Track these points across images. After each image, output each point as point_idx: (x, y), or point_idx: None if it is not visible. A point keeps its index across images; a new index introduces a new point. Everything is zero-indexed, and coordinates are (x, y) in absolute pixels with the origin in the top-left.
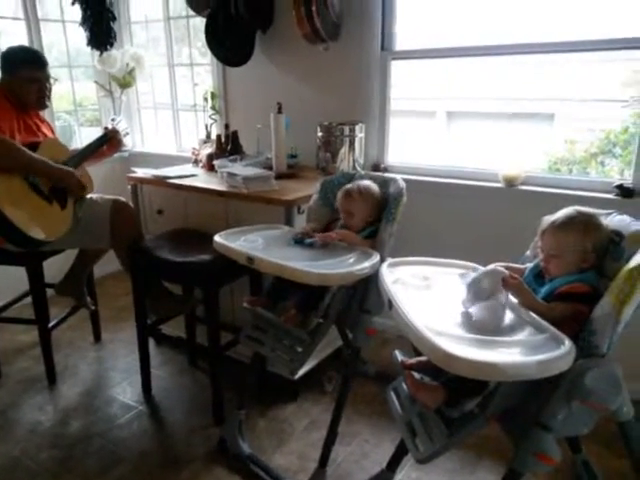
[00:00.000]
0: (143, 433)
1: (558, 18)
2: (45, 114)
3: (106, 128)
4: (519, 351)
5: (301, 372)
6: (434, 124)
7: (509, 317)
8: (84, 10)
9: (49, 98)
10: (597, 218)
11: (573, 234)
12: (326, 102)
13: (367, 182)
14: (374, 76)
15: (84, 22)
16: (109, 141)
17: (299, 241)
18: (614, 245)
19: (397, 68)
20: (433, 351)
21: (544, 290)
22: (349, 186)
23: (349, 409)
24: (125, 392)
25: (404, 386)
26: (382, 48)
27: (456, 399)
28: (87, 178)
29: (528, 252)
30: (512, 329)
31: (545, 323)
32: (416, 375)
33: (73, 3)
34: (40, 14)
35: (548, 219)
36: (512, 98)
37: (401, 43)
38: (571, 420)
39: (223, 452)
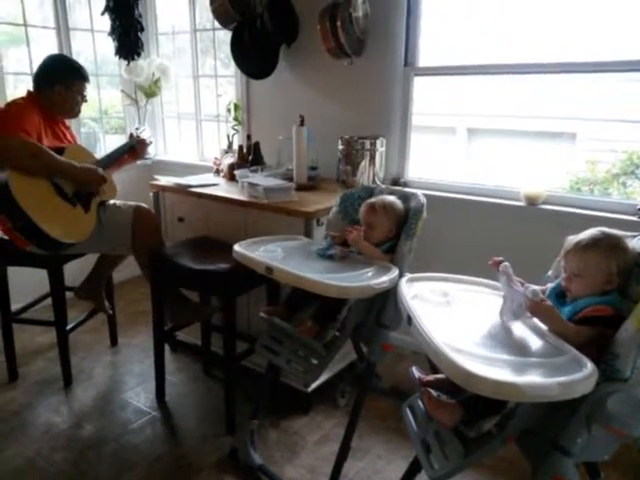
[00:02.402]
0: (156, 439)
1: (582, 38)
2: (71, 120)
3: (131, 135)
4: (540, 372)
5: (314, 385)
6: (455, 140)
7: (532, 338)
8: (113, 20)
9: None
10: (623, 240)
11: (598, 255)
12: (348, 116)
13: (392, 198)
14: (396, 91)
15: (113, 32)
16: (133, 149)
17: (323, 250)
18: (639, 268)
19: (419, 84)
20: (452, 369)
21: (567, 310)
22: (374, 200)
23: (362, 424)
24: (139, 397)
25: (420, 403)
26: (405, 64)
27: (474, 418)
28: (111, 184)
29: (550, 272)
30: (533, 350)
31: (567, 345)
32: (433, 392)
33: (103, 13)
34: (70, 23)
35: (573, 239)
36: (534, 116)
37: (424, 59)
38: (591, 445)
39: (234, 461)
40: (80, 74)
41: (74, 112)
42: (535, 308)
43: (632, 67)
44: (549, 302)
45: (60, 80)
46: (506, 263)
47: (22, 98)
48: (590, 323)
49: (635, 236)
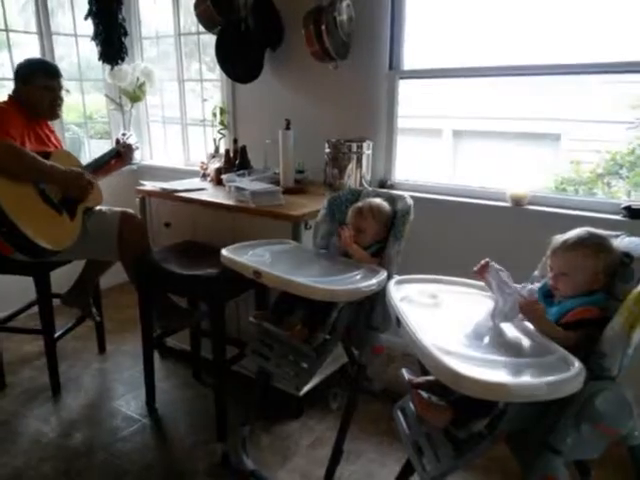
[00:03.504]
0: (146, 446)
1: (565, 40)
2: (55, 125)
3: (117, 141)
4: (529, 372)
5: (306, 388)
6: (440, 142)
7: (519, 338)
8: (96, 25)
9: (61, 109)
10: (608, 240)
11: (584, 254)
12: (334, 119)
13: (379, 200)
14: (382, 94)
15: (96, 37)
16: (120, 154)
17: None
18: (624, 267)
19: (404, 86)
20: (441, 370)
21: (554, 311)
22: (361, 204)
23: (354, 427)
24: (129, 404)
25: (411, 405)
26: (390, 67)
27: (464, 419)
28: (97, 190)
29: (536, 272)
30: (521, 350)
31: (554, 344)
32: (423, 394)
33: (86, 18)
34: (52, 28)
35: (559, 238)
36: (518, 118)
37: (409, 62)
38: (581, 444)
39: (226, 467)
40: (49, 71)
41: (53, 111)
42: (529, 307)
43: (614, 69)
44: (542, 305)
45: (29, 79)
46: (494, 264)
47: (4, 102)
48: (578, 327)
49: (618, 235)
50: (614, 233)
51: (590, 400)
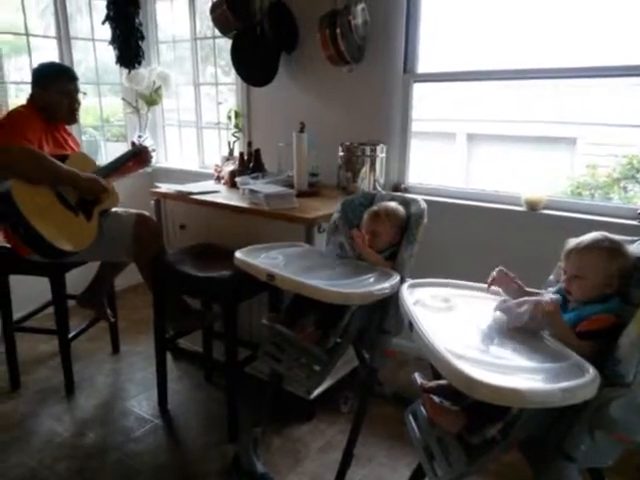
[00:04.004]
0: (158, 447)
1: (582, 43)
2: (72, 128)
3: (133, 143)
4: (543, 378)
5: (317, 392)
6: (454, 146)
7: (532, 343)
8: (114, 29)
9: (78, 112)
10: (624, 244)
11: (599, 256)
12: (348, 122)
13: (394, 204)
14: (396, 98)
15: (113, 41)
16: (137, 156)
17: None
18: (639, 272)
19: (419, 90)
20: (454, 375)
21: (568, 317)
22: (376, 208)
23: (365, 431)
24: (141, 405)
25: (423, 409)
26: (404, 71)
27: (477, 425)
28: (113, 192)
29: (551, 277)
30: (535, 355)
31: (569, 350)
32: (436, 399)
33: (103, 22)
34: (71, 32)
35: (574, 240)
36: (534, 121)
37: (423, 66)
38: (595, 451)
39: (237, 469)
40: (66, 74)
41: (72, 115)
42: (552, 307)
43: (631, 72)
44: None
45: (47, 83)
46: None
47: (22, 106)
48: (593, 337)
49: (635, 241)
50: (630, 238)
51: (604, 407)
